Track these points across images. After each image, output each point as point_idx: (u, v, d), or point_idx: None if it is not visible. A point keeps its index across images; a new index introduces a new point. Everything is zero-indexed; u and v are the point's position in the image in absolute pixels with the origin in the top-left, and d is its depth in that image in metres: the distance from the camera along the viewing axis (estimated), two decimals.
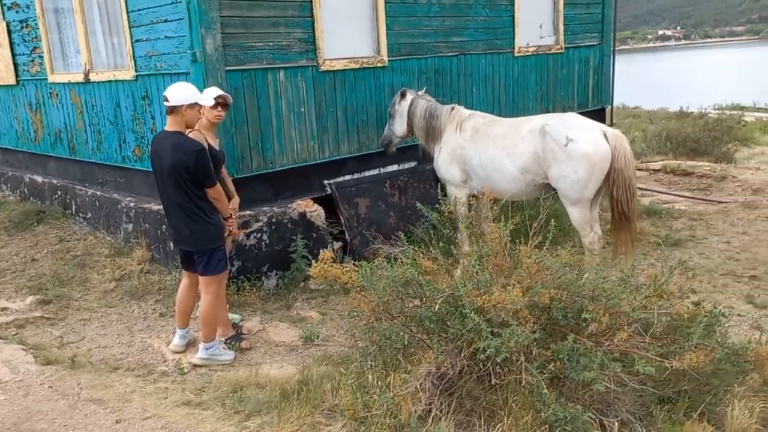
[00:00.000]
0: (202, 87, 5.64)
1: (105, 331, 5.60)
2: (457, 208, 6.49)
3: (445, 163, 6.55)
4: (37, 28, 7.94)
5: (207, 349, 4.87)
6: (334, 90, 6.87)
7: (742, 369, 3.74)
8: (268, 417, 3.66)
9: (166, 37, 6.17)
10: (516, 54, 8.76)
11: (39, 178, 8.79)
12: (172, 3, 5.96)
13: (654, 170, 12.29)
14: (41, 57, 8.06)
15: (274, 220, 6.36)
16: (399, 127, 6.81)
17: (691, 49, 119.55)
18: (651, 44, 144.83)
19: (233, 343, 5.19)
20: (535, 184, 6.06)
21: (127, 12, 6.52)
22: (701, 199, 9.98)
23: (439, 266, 3.93)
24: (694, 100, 19.84)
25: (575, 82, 9.81)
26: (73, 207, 8.07)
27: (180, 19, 5.91)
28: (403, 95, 6.74)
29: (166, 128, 4.52)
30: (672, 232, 8.05)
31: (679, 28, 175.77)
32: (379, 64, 7.20)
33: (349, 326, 4.46)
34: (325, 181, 6.99)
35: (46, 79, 8.08)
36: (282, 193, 6.66)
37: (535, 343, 3.47)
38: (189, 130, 4.85)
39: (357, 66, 7.00)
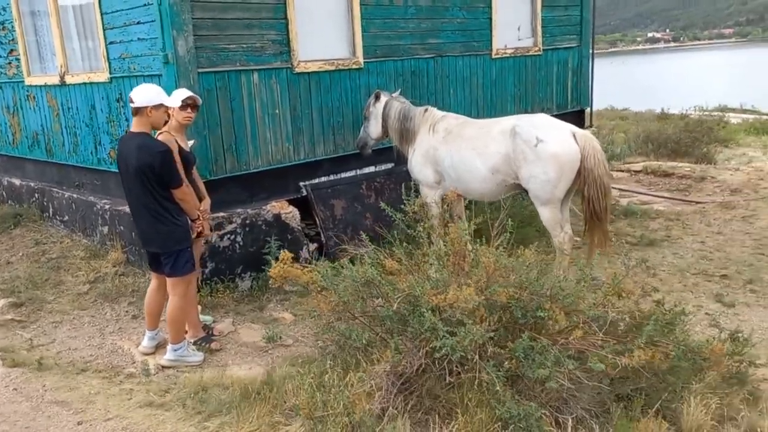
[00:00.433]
0: (174, 89, 5.65)
1: (76, 333, 5.60)
2: (431, 208, 6.56)
3: (418, 164, 6.58)
4: (14, 31, 7.93)
5: (175, 350, 4.88)
6: (309, 92, 6.89)
7: (698, 366, 3.79)
8: (228, 417, 3.68)
9: (139, 39, 6.19)
10: (494, 56, 8.81)
11: (17, 181, 8.77)
12: (144, 5, 5.97)
13: (635, 171, 12.38)
14: (18, 59, 8.05)
15: (248, 221, 6.37)
16: (374, 129, 6.84)
17: (680, 51, 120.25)
18: (640, 46, 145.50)
19: (203, 344, 5.20)
20: (506, 185, 6.10)
21: (101, 14, 6.53)
22: (679, 200, 10.05)
23: (402, 266, 3.97)
24: (682, 102, 19.93)
25: (554, 83, 9.87)
26: (51, 210, 8.06)
27: (152, 21, 5.92)
28: (377, 97, 6.77)
29: (132, 129, 4.53)
30: (648, 233, 8.11)
31: (668, 30, 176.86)
32: (354, 66, 7.23)
33: (314, 326, 4.48)
34: (301, 183, 7.01)
35: (23, 81, 8.07)
36: (257, 194, 6.68)
37: (491, 342, 3.50)
38: (161, 131, 4.88)
39: (332, 68, 7.03)
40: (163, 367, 4.86)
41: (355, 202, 7.28)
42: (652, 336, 3.77)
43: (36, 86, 7.90)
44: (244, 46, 6.30)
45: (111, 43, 6.54)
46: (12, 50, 8.11)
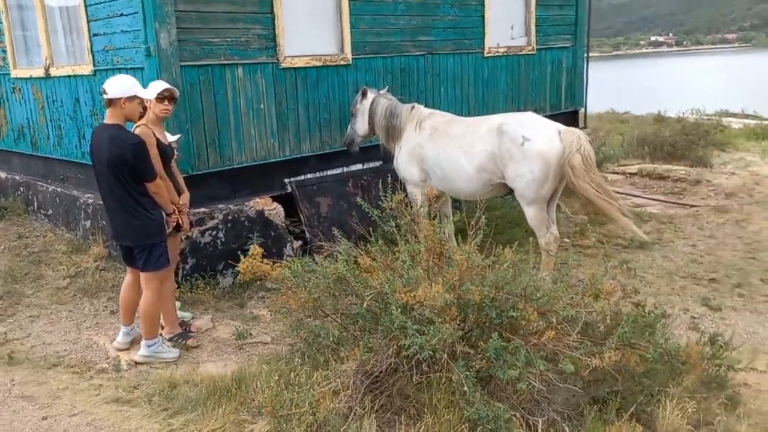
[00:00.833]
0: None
1: (52, 327, 5.52)
2: (416, 207, 6.47)
3: (404, 162, 6.51)
4: (0, 23, 7.86)
5: (149, 346, 4.80)
6: (296, 88, 6.82)
7: (676, 370, 3.70)
8: (193, 414, 3.60)
9: (122, 31, 6.11)
10: (486, 54, 8.73)
11: (3, 174, 8.70)
12: None
13: (630, 174, 12.30)
14: (4, 51, 7.98)
15: (230, 217, 6.29)
16: (361, 126, 6.77)
17: (683, 55, 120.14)
18: (644, 50, 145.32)
19: (179, 341, 5.12)
20: (492, 184, 6.02)
21: (85, 6, 6.46)
22: (673, 203, 9.97)
23: (377, 263, 3.89)
24: (683, 105, 19.83)
25: (547, 83, 9.79)
26: (35, 203, 7.99)
27: (135, 13, 5.85)
28: (364, 94, 6.70)
29: (105, 121, 4.46)
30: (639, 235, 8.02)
31: (671, 34, 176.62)
32: (342, 62, 7.15)
33: (284, 324, 4.40)
34: (286, 180, 6.93)
35: (9, 74, 8.00)
36: (241, 190, 6.60)
37: (461, 341, 3.42)
38: (139, 124, 4.80)
39: (319, 63, 6.95)
40: (137, 363, 4.78)
41: (341, 200, 7.20)
42: (629, 338, 3.70)
43: (22, 79, 7.84)
44: (229, 40, 6.23)
45: (95, 35, 6.47)
46: None
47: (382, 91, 6.77)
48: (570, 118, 10.42)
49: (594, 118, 21.75)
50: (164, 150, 4.90)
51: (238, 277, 3.71)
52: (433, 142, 6.28)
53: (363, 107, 6.71)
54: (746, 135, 17.67)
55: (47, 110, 7.51)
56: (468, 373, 3.32)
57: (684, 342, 4.01)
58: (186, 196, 5.21)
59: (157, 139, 4.83)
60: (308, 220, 6.88)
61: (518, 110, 9.15)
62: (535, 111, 9.49)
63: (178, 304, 5.70)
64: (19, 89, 7.94)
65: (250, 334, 4.83)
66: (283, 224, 6.69)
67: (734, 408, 3.82)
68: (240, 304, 5.97)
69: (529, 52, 9.37)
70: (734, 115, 22.75)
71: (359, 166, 7.49)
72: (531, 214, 5.91)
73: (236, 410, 3.53)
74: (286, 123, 6.79)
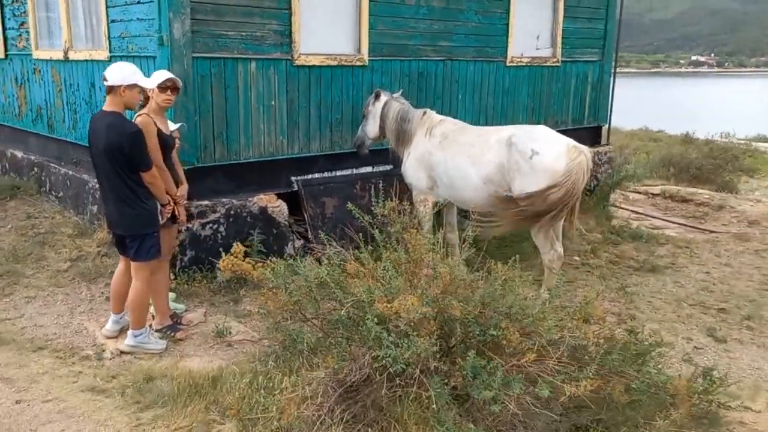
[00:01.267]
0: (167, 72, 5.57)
1: (46, 310, 5.54)
2: (421, 215, 6.38)
3: (412, 168, 6.41)
4: (26, 3, 7.94)
5: (135, 336, 4.77)
6: (309, 86, 6.76)
7: (662, 402, 3.55)
8: (163, 410, 3.55)
9: (138, 19, 6.12)
10: (508, 63, 8.59)
11: (19, 154, 8.80)
12: None
13: (652, 194, 12.05)
14: (28, 32, 8.06)
15: (232, 212, 6.26)
16: (372, 128, 6.69)
17: (725, 77, 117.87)
18: (683, 69, 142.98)
19: (168, 332, 5.09)
20: (498, 196, 5.88)
21: None
22: (693, 227, 9.72)
23: (365, 270, 3.80)
24: (720, 127, 19.31)
25: (570, 97, 9.60)
26: (47, 185, 8.05)
27: (150, 1, 5.85)
28: (377, 96, 6.62)
29: (104, 108, 4.44)
30: (652, 258, 7.82)
31: (713, 54, 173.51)
32: (358, 63, 7.08)
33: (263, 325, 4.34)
34: (293, 178, 6.87)
35: (31, 54, 8.08)
36: (246, 185, 6.55)
37: (442, 357, 3.32)
38: (140, 113, 4.79)
39: (335, 63, 6.89)
40: (122, 352, 4.75)
41: (348, 202, 7.09)
42: (616, 365, 3.56)
43: (42, 60, 7.91)
44: (243, 34, 6.19)
45: (112, 21, 6.48)
46: (23, 23, 8.13)
47: (395, 95, 6.68)
48: (592, 134, 10.23)
49: (626, 135, 21.39)
50: (165, 140, 4.87)
51: (220, 274, 3.64)
52: (443, 149, 6.18)
53: (375, 109, 6.62)
54: None
55: (64, 93, 7.57)
56: (441, 390, 3.21)
57: (676, 373, 3.85)
58: (184, 188, 5.18)
59: (159, 129, 4.80)
60: (312, 220, 6.82)
61: (539, 122, 8.98)
62: (557, 124, 9.36)
63: (172, 295, 5.68)
64: (39, 71, 8.01)
65: (230, 332, 4.77)
66: (286, 222, 6.63)
67: None
68: (235, 299, 5.92)
69: (554, 64, 9.20)
70: None
71: (369, 169, 7.40)
72: (535, 229, 5.77)
73: (206, 409, 3.47)
74: (296, 121, 6.74)
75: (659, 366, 3.88)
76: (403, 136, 6.50)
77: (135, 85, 4.40)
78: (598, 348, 3.74)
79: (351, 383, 3.41)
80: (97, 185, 6.76)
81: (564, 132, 9.14)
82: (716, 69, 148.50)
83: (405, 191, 6.21)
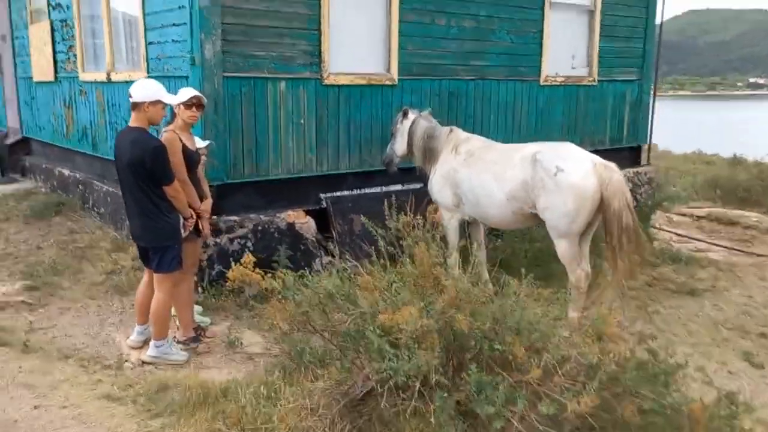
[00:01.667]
0: (198, 91, 5.73)
1: (78, 321, 5.70)
2: (448, 233, 6.34)
3: (438, 185, 6.40)
4: (74, 27, 8.33)
5: (157, 347, 4.86)
6: (338, 104, 6.85)
7: (677, 425, 3.41)
8: (171, 418, 3.60)
9: (173, 40, 6.33)
10: (542, 82, 8.53)
11: (66, 172, 9.16)
12: (180, 8, 6.11)
13: (698, 217, 11.67)
14: (75, 55, 8.44)
15: (259, 227, 6.35)
16: (400, 146, 6.71)
17: None
18: (740, 92, 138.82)
19: (191, 344, 5.17)
20: (523, 214, 5.81)
21: (144, 15, 6.74)
22: (738, 251, 9.36)
23: (372, 283, 3.79)
24: None
25: (608, 116, 9.45)
26: (90, 201, 8.35)
27: (184, 23, 6.06)
28: (405, 114, 6.65)
29: (129, 124, 4.60)
30: (692, 281, 7.58)
31: None
32: (387, 82, 7.15)
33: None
34: (322, 195, 6.95)
35: (78, 77, 8.44)
36: (275, 202, 6.65)
37: (448, 370, 3.28)
38: (166, 129, 4.94)
39: (364, 82, 6.97)
40: (144, 362, 4.85)
41: (376, 219, 7.12)
42: (630, 385, 3.45)
43: (88, 82, 8.25)
44: (273, 54, 6.33)
45: (150, 43, 6.73)
46: (71, 46, 8.52)
47: (423, 113, 6.70)
48: (632, 154, 10.04)
49: (678, 158, 20.88)
50: (190, 156, 4.99)
51: (227, 284, 3.70)
52: (468, 166, 6.15)
53: (403, 127, 6.65)
54: None
55: (107, 113, 7.87)
56: (444, 404, 3.16)
57: (696, 396, 3.69)
58: (208, 202, 5.28)
59: (184, 145, 4.94)
60: (340, 237, 6.86)
61: (575, 142, 8.84)
62: (593, 144, 9.22)
63: (199, 308, 5.78)
64: (85, 92, 8.36)
65: (241, 343, 4.82)
66: (314, 238, 6.69)
67: None
68: (260, 314, 5.97)
69: (590, 83, 9.09)
70: None
71: (398, 187, 7.41)
72: (561, 247, 5.67)
73: (212, 419, 3.50)
74: (325, 139, 6.83)
75: (679, 387, 3.73)
76: (429, 153, 6.50)
77: (158, 102, 4.54)
78: (609, 366, 3.63)
79: (356, 396, 3.40)
80: None
81: (602, 152, 9.01)
82: None
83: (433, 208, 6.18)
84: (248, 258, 3.72)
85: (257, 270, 3.68)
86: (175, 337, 5.21)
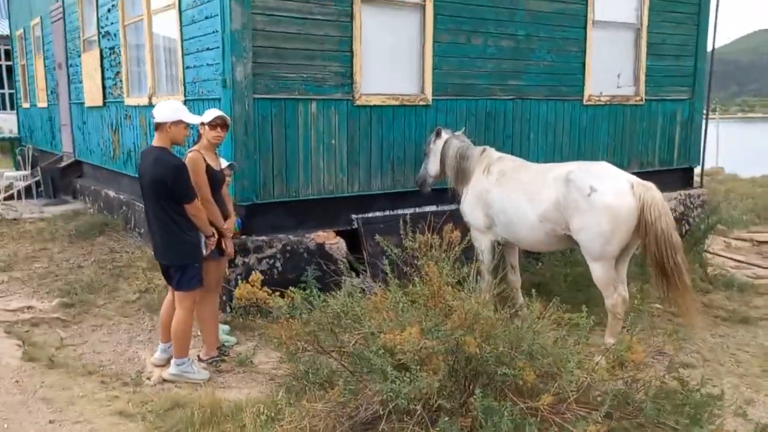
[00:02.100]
0: (229, 112, 5.82)
1: (108, 338, 5.78)
2: (482, 254, 6.17)
3: (470, 206, 6.25)
4: (120, 54, 8.62)
5: (178, 365, 4.86)
6: (370, 125, 6.82)
7: None
8: None
9: (207, 64, 6.45)
10: (585, 102, 8.29)
11: (112, 193, 9.43)
12: (213, 32, 6.23)
13: (759, 242, 11.08)
14: (122, 81, 8.72)
15: (288, 248, 6.34)
16: (433, 166, 6.61)
17: None
18: None
19: (213, 363, 5.15)
20: (556, 235, 5.60)
21: (182, 40, 6.90)
22: None
23: (382, 303, 3.69)
24: None
25: (657, 137, 9.11)
26: (132, 222, 8.55)
27: (217, 47, 6.16)
28: (438, 134, 6.55)
29: (153, 144, 4.66)
30: (746, 308, 7.14)
31: None
32: (421, 103, 7.08)
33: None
34: (353, 215, 6.89)
35: (124, 102, 8.71)
36: (305, 222, 6.63)
37: (447, 394, 3.12)
38: (192, 149, 5.00)
39: (396, 102, 6.92)
40: (165, 380, 4.85)
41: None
42: (652, 415, 3.21)
43: (132, 106, 8.50)
44: (305, 75, 6.36)
45: (187, 67, 6.88)
46: (118, 72, 8.81)
47: (457, 133, 6.59)
48: (683, 176, 9.63)
49: (745, 182, 20.05)
50: (214, 175, 5.03)
51: (233, 302, 3.65)
52: (500, 186, 5.99)
53: (436, 147, 6.56)
54: None
55: (149, 136, 8.07)
56: (449, 429, 3.00)
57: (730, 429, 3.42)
58: (231, 221, 5.29)
59: (208, 165, 4.98)
60: (371, 257, 6.77)
61: (622, 163, 8.56)
62: (642, 165, 8.89)
63: (226, 328, 5.78)
64: (130, 116, 8.62)
65: (251, 362, 4.75)
66: (345, 259, 6.62)
67: None
68: (265, 333, 5.92)
69: (637, 102, 8.80)
70: None
71: (433, 208, 7.29)
72: (597, 271, 5.42)
73: None
74: (357, 159, 6.79)
75: (714, 419, 3.47)
76: (461, 174, 6.37)
77: (180, 121, 4.60)
78: (634, 394, 3.41)
79: (362, 418, 3.28)
80: None
81: (651, 173, 8.71)
82: None
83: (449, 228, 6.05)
84: (255, 276, 3.68)
85: (264, 288, 3.63)
86: (198, 355, 5.21)
